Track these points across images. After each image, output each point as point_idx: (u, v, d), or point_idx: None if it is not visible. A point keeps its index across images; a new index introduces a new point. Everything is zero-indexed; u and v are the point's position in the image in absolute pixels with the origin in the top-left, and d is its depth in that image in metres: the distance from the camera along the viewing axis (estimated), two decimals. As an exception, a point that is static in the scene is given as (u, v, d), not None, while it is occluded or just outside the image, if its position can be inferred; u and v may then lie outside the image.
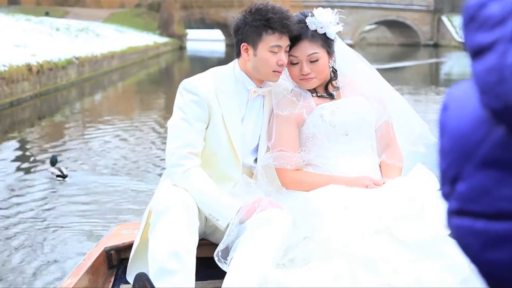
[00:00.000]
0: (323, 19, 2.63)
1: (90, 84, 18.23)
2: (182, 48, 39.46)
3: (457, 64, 27.17)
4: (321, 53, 2.64)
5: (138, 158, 8.19)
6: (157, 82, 21.51)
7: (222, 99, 2.61)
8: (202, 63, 29.97)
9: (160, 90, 18.30)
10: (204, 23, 48.42)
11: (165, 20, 39.10)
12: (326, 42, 2.66)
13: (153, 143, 9.27)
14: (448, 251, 2.24)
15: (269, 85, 2.71)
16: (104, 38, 25.68)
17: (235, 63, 2.70)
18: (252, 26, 2.56)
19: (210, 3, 44.40)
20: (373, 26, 53.25)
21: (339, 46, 2.79)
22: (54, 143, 9.06)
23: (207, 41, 53.04)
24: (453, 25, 47.98)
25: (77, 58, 17.95)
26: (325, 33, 2.64)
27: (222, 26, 46.92)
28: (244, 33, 2.59)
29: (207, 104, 2.57)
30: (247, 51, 2.60)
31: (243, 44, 2.60)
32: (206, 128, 2.60)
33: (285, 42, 2.57)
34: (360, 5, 46.88)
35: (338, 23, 2.69)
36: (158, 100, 15.79)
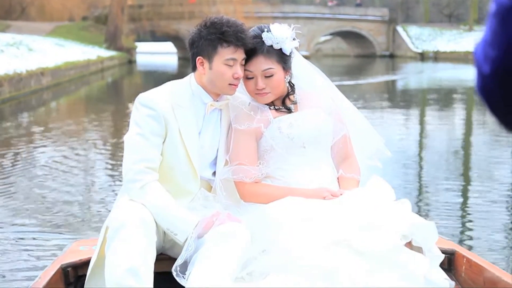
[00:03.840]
0: (279, 35, 2.71)
1: (11, 105, 16.62)
2: (131, 62, 39.03)
3: (412, 78, 27.47)
4: (276, 68, 2.72)
5: (84, 180, 8.13)
6: (101, 99, 20.33)
7: (178, 113, 2.67)
8: (153, 78, 29.66)
9: (105, 108, 17.25)
10: (155, 36, 48.24)
11: (112, 33, 38.74)
12: (282, 57, 2.73)
13: (95, 162, 9.15)
14: (403, 262, 2.33)
15: (226, 98, 2.79)
16: (38, 53, 24.11)
17: (191, 77, 2.77)
18: (207, 39, 2.64)
19: (160, 15, 44.24)
20: (328, 37, 53.83)
21: (297, 60, 2.87)
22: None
23: (158, 54, 52.82)
24: (409, 35, 48.80)
25: (-9, 77, 16.16)
26: (281, 49, 2.73)
27: (173, 38, 46.83)
28: (200, 47, 2.66)
29: (163, 118, 2.63)
30: (203, 65, 2.68)
31: (198, 57, 2.68)
32: (163, 142, 2.66)
33: (240, 55, 2.65)
34: (315, 16, 47.29)
35: (294, 39, 2.77)
36: (103, 118, 14.99)
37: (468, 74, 27.48)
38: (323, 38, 52.33)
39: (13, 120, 14.17)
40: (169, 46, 51.28)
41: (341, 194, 2.63)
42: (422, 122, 13.89)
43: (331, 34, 51.21)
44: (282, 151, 2.74)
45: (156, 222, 2.51)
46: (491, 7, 1.02)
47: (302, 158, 2.75)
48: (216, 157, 2.78)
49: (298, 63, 2.87)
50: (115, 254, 2.38)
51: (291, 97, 2.83)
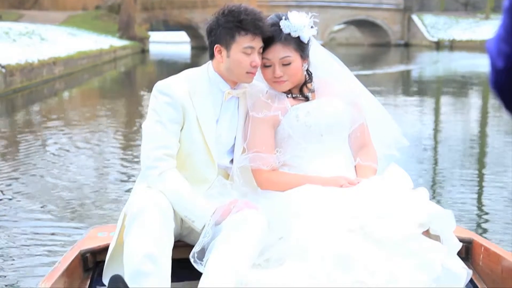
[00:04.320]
0: (297, 23, 2.72)
1: (23, 95, 16.62)
2: (144, 51, 39.10)
3: (428, 69, 27.26)
4: (293, 56, 2.73)
5: (102, 165, 8.17)
6: (114, 89, 20.27)
7: (196, 100, 2.69)
8: (166, 67, 29.61)
9: (118, 97, 17.21)
10: (168, 25, 48.24)
11: (126, 22, 38.80)
12: (300, 45, 2.75)
13: (114, 152, 9.19)
14: (421, 250, 2.35)
15: (243, 86, 2.81)
16: (50, 42, 24.07)
17: (208, 65, 2.79)
18: (225, 27, 2.66)
19: (172, 4, 44.25)
20: (342, 26, 53.60)
21: (315, 48, 2.88)
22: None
23: (171, 43, 52.80)
24: (424, 23, 48.49)
25: (3, 67, 15.89)
26: (298, 37, 2.74)
27: (186, 27, 46.83)
28: (217, 35, 2.68)
29: (181, 106, 2.66)
30: (221, 53, 2.70)
31: (216, 45, 2.70)
32: (181, 130, 2.68)
33: (258, 43, 2.67)
34: (329, 5, 47.13)
35: (312, 27, 2.78)
36: (116, 107, 14.90)
37: (484, 64, 27.28)
38: (337, 27, 52.09)
39: (25, 110, 14.19)
40: (182, 35, 51.26)
41: (358, 182, 2.64)
42: (437, 113, 13.84)
43: (345, 23, 50.98)
44: (299, 139, 2.75)
45: (173, 209, 2.54)
46: (504, 2, 1.02)
47: (320, 146, 2.76)
48: (234, 145, 2.80)
49: (316, 51, 2.88)
50: (133, 241, 2.42)
51: (308, 85, 2.84)
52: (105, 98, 17.33)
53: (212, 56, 2.75)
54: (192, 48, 45.79)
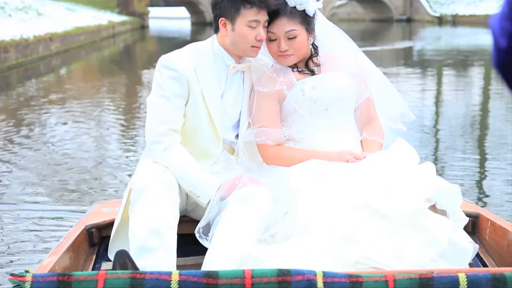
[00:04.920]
0: None
1: (19, 72, 16.31)
2: (144, 27, 38.91)
3: (430, 46, 27.06)
4: (299, 30, 2.71)
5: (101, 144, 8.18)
6: (113, 65, 19.99)
7: (201, 75, 2.68)
8: (166, 43, 29.50)
9: (117, 74, 16.97)
10: (168, 1, 47.98)
11: (125, -2, 38.65)
12: (305, 19, 2.73)
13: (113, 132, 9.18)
14: (427, 225, 2.36)
15: (248, 60, 2.80)
16: (47, 18, 23.71)
17: (213, 39, 2.77)
18: (230, 1, 2.64)
19: (173, -21, 44.03)
20: (344, 1, 53.33)
21: (321, 22, 2.86)
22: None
23: (171, 19, 52.57)
24: (427, -2, 48.25)
25: (-3, 43, 15.61)
26: (304, 10, 2.72)
27: (186, 3, 46.53)
28: (222, 8, 2.66)
29: (186, 80, 2.65)
30: (225, 26, 2.68)
31: (221, 19, 2.68)
32: (186, 104, 2.68)
33: (263, 17, 2.65)
34: (330, -21, 46.94)
35: (317, 0, 2.76)
36: (115, 84, 14.72)
37: (487, 40, 27.13)
38: (338, 2, 51.78)
39: (21, 87, 13.96)
40: (182, 11, 51.00)
41: (364, 157, 2.65)
42: (439, 90, 13.81)
43: (347, -3, 50.77)
44: (305, 114, 2.75)
45: (179, 184, 2.54)
46: None
47: (325, 120, 2.76)
48: (239, 119, 2.80)
49: (321, 25, 2.87)
50: (139, 216, 2.43)
51: (314, 59, 2.82)
52: (103, 74, 17.22)
53: (216, 30, 2.74)
54: (192, 24, 45.59)
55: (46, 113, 10.40)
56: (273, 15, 2.69)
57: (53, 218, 5.19)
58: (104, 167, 6.86)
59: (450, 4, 46.39)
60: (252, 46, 2.67)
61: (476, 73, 17.44)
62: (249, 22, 2.64)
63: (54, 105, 11.22)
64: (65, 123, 9.29)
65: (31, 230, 4.92)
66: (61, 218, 5.17)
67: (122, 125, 9.46)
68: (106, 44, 27.74)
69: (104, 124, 9.55)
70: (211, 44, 2.77)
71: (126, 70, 18.45)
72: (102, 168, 6.82)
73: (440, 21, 44.19)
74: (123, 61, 22.34)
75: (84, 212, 3.33)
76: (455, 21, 42.87)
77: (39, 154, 7.41)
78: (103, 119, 9.91)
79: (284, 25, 2.70)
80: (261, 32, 2.66)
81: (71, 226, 2.93)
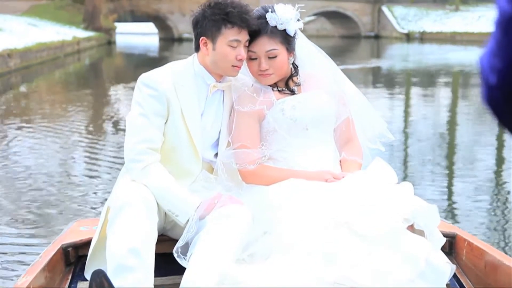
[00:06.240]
0: (283, 15, 2.74)
1: None
2: (110, 42, 38.63)
3: (397, 62, 27.25)
4: (280, 49, 2.74)
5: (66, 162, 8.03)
6: (77, 82, 19.57)
7: (181, 93, 2.70)
8: (134, 59, 29.37)
9: (81, 91, 16.57)
10: (135, 16, 47.83)
11: (91, 13, 38.31)
12: (286, 38, 2.76)
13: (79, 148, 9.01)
14: (405, 245, 2.38)
15: (228, 79, 2.82)
16: (7, 33, 23.45)
17: (194, 57, 2.79)
18: (211, 20, 2.66)
19: (140, -5, 43.91)
20: (312, 18, 53.74)
21: (301, 42, 2.89)
22: None
23: (139, 34, 52.40)
24: (394, 15, 48.84)
25: None
26: (285, 30, 2.75)
27: (154, 18, 46.51)
28: (203, 27, 2.69)
29: (166, 99, 2.66)
30: (206, 45, 2.70)
31: (202, 38, 2.70)
32: (165, 123, 2.69)
33: (244, 36, 2.68)
34: (299, -4, 47.12)
35: (298, 20, 2.80)
36: (78, 101, 14.21)
37: (455, 57, 27.54)
38: (307, 19, 52.18)
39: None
40: (150, 27, 50.92)
41: (343, 177, 2.67)
42: (407, 106, 13.97)
43: (316, 14, 51.14)
44: (284, 133, 2.77)
45: (157, 203, 2.55)
46: (496, 16, 1.00)
47: (305, 140, 2.78)
48: (218, 138, 2.81)
49: (302, 44, 2.90)
50: (117, 234, 2.43)
51: (294, 78, 2.85)
52: (66, 91, 16.82)
53: (197, 49, 2.76)
54: (160, 39, 45.52)
55: (5, 135, 9.94)
56: (254, 34, 2.72)
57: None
58: (68, 192, 6.61)
59: (417, 21, 47.08)
60: (233, 66, 2.70)
61: (444, 89, 17.68)
62: (230, 42, 2.66)
63: (13, 126, 10.79)
64: (24, 144, 8.98)
65: None
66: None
67: (86, 145, 9.22)
68: (70, 60, 27.28)
69: (66, 143, 9.30)
70: (191, 62, 2.79)
71: (91, 86, 18.09)
72: (65, 194, 6.57)
73: (408, 37, 44.79)
74: (88, 77, 21.91)
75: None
76: (423, 37, 43.50)
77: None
78: (67, 140, 9.57)
79: (264, 44, 2.73)
80: (242, 52, 2.68)
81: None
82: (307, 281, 2.27)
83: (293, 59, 2.83)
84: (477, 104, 13.42)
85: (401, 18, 48.37)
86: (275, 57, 2.74)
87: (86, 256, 2.68)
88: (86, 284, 2.55)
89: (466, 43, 36.98)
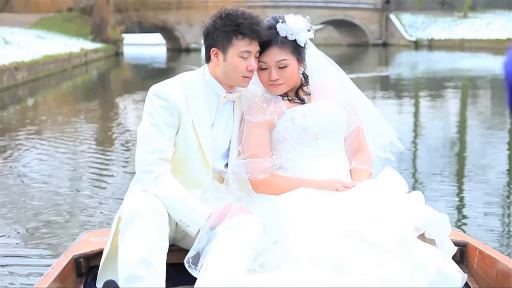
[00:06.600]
0: (293, 26, 2.77)
1: None
2: (118, 54, 38.63)
3: (406, 70, 27.13)
4: (290, 60, 2.77)
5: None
6: (85, 94, 19.38)
7: (192, 104, 2.72)
8: (141, 71, 29.37)
9: (89, 103, 16.45)
10: (143, 27, 48.01)
11: (98, 25, 38.41)
12: (296, 49, 2.79)
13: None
14: (416, 254, 2.39)
15: (239, 90, 2.84)
16: (15, 46, 23.23)
17: (204, 68, 2.82)
18: (222, 31, 2.69)
19: (146, 6, 43.92)
20: (320, 26, 53.75)
21: (311, 51, 2.92)
22: None
23: (146, 45, 52.50)
24: (402, 23, 48.72)
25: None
26: (295, 40, 2.78)
27: (161, 29, 46.64)
28: (214, 38, 2.71)
29: (177, 109, 2.69)
30: (217, 56, 2.73)
31: (213, 49, 2.73)
32: (176, 133, 2.71)
33: (255, 47, 2.71)
34: (306, 5, 47.03)
35: (309, 30, 2.83)
36: (86, 113, 14.15)
37: (465, 64, 27.43)
38: (314, 27, 51.71)
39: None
40: (158, 38, 51.06)
41: (353, 186, 2.69)
42: (416, 114, 13.95)
43: (323, 23, 51.09)
44: (294, 142, 2.79)
45: (168, 213, 2.57)
46: None
47: (315, 149, 2.80)
48: (229, 149, 2.84)
49: (312, 54, 2.92)
50: (128, 244, 2.45)
51: (304, 88, 2.88)
52: (75, 104, 16.75)
53: (208, 60, 2.79)
54: (168, 50, 45.57)
55: (12, 148, 9.83)
56: (264, 45, 2.74)
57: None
58: (76, 204, 6.53)
59: (425, 28, 46.95)
60: (244, 77, 2.73)
61: (454, 96, 17.64)
62: (240, 53, 2.69)
63: (20, 138, 10.67)
64: (33, 159, 8.90)
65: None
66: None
67: (95, 156, 9.19)
68: (78, 72, 27.06)
69: (75, 154, 9.27)
70: (202, 73, 2.81)
71: (99, 98, 17.99)
72: (73, 205, 6.51)
73: (416, 45, 44.67)
74: (96, 89, 21.77)
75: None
76: (431, 45, 43.38)
77: (7, 193, 7.12)
78: (75, 152, 9.49)
79: (275, 55, 2.76)
80: (253, 63, 2.71)
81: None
82: None
83: (303, 69, 2.86)
84: (488, 112, 13.41)
85: (409, 26, 48.24)
86: (285, 67, 2.77)
87: (98, 266, 2.70)
88: None
89: (475, 50, 36.83)
